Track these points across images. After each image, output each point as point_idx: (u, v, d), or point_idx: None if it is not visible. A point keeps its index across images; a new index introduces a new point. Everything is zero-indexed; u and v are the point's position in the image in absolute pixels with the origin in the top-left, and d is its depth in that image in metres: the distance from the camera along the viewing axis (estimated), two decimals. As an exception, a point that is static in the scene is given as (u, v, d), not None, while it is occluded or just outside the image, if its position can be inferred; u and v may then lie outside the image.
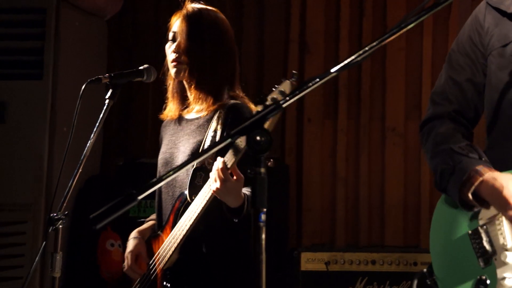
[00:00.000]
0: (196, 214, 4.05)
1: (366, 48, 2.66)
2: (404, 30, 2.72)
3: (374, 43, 2.67)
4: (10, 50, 6.37)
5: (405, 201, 6.93)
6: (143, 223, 4.57)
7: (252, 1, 7.36)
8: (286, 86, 3.49)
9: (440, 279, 3.45)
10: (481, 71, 3.49)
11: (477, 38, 3.52)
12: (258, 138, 2.58)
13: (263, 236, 2.52)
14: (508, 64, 3.37)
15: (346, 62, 2.64)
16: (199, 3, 4.49)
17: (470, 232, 3.27)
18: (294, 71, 3.55)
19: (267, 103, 3.01)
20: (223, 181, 3.84)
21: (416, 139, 6.44)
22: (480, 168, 3.21)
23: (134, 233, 4.43)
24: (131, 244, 4.39)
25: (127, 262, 4.37)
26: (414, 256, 6.25)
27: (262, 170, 2.59)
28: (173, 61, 4.34)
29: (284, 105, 2.67)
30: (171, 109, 4.49)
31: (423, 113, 6.29)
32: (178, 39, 4.38)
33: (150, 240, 4.44)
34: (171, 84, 4.48)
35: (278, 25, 7.24)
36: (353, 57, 2.66)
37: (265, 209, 2.52)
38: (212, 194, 3.94)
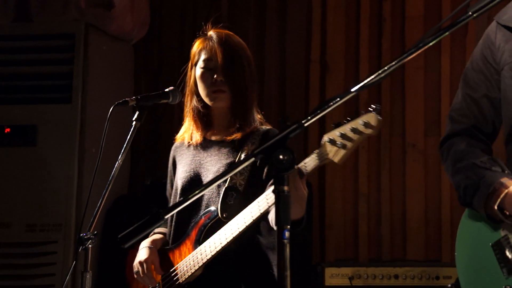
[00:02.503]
0: (235, 233, 3.99)
1: (385, 68, 2.63)
2: (422, 50, 2.69)
3: (393, 63, 2.60)
4: (40, 75, 6.28)
5: (426, 216, 6.75)
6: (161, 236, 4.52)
7: (274, 22, 7.22)
8: (372, 118, 3.44)
9: None
10: (495, 86, 3.53)
11: (490, 55, 3.58)
12: (281, 157, 2.56)
13: (287, 252, 2.53)
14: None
15: (366, 81, 2.60)
16: (221, 27, 4.42)
17: (492, 243, 3.34)
18: (378, 106, 3.45)
19: (344, 131, 3.38)
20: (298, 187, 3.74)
21: (436, 154, 6.24)
22: (505, 180, 3.27)
23: (147, 243, 4.38)
24: (145, 252, 4.34)
25: (142, 269, 4.30)
26: (436, 270, 6.13)
27: (286, 188, 2.56)
28: (215, 90, 4.27)
29: (306, 124, 2.59)
30: (195, 134, 4.41)
31: (442, 130, 6.33)
32: (219, 68, 4.30)
33: (166, 252, 4.39)
34: (194, 109, 4.41)
35: (299, 46, 7.13)
36: (372, 77, 2.60)
37: (288, 227, 2.53)
38: (261, 212, 3.85)
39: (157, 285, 4.33)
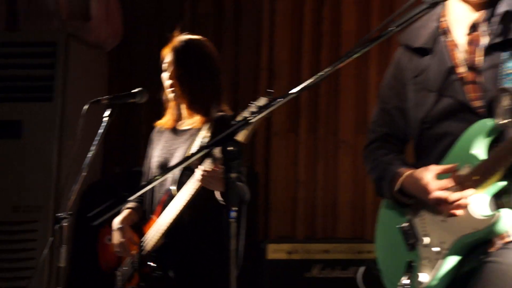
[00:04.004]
0: (180, 205, 4.29)
1: (321, 73, 2.98)
2: (352, 58, 3.03)
3: (328, 69, 2.96)
4: (25, 77, 6.55)
5: (353, 201, 7.18)
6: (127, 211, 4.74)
7: (229, 35, 7.53)
8: (262, 101, 3.77)
9: (382, 269, 3.70)
10: (404, 99, 3.70)
11: (398, 73, 3.74)
12: (230, 148, 2.87)
13: (234, 229, 2.79)
14: (419, 90, 3.61)
15: (303, 85, 2.94)
16: (186, 34, 4.78)
17: (402, 226, 3.53)
18: (269, 90, 3.84)
19: (245, 115, 3.75)
20: (208, 172, 4.15)
21: (344, 146, 7.29)
22: (401, 169, 3.49)
23: (118, 223, 4.63)
24: (119, 234, 4.61)
25: (123, 248, 4.60)
26: (359, 246, 6.49)
27: (233, 175, 2.87)
28: (167, 88, 4.70)
29: (251, 121, 3.05)
30: (168, 120, 4.77)
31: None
32: (170, 69, 4.69)
33: (141, 226, 4.64)
34: (169, 103, 4.79)
35: (251, 55, 7.51)
36: (310, 81, 2.96)
37: (235, 208, 2.82)
38: (195, 188, 4.23)
39: (134, 258, 4.64)
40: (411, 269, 3.46)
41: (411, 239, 3.47)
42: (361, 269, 6.36)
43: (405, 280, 3.46)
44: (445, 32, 3.58)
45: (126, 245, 4.62)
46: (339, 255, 6.44)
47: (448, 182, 3.35)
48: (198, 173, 4.19)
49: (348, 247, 6.46)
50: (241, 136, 3.50)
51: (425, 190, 3.34)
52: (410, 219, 3.49)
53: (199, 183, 4.22)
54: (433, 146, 3.60)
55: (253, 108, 3.83)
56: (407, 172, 3.49)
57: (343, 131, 7.27)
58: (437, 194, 3.31)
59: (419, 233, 3.48)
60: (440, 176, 3.40)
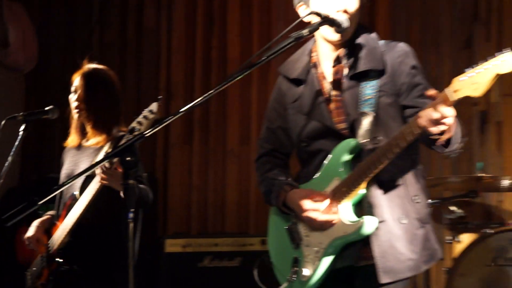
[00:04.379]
0: (83, 206, 4.48)
1: (208, 93, 3.27)
2: (235, 80, 3.29)
3: (215, 89, 3.27)
4: None
5: (239, 202, 7.70)
6: (42, 215, 4.92)
7: (133, 60, 7.98)
8: (154, 106, 4.05)
9: (274, 263, 3.98)
10: (286, 120, 3.93)
11: (280, 98, 3.98)
12: (128, 158, 3.07)
13: (131, 228, 3.05)
14: (296, 114, 3.85)
15: (192, 104, 3.24)
16: (94, 63, 4.99)
17: (288, 227, 3.83)
18: (160, 96, 4.08)
19: (140, 120, 4.02)
20: (105, 171, 4.40)
21: (247, 158, 7.68)
22: (285, 187, 3.78)
23: (35, 222, 4.81)
24: (32, 230, 4.78)
25: (29, 243, 4.76)
26: (243, 240, 6.93)
27: (131, 182, 3.07)
28: (74, 108, 4.85)
29: (147, 135, 3.17)
30: (73, 140, 4.93)
31: (252, 140, 7.66)
32: (78, 92, 4.84)
33: (50, 228, 4.81)
34: (74, 122, 4.93)
35: (151, 78, 7.96)
36: (198, 100, 3.25)
37: (132, 210, 3.03)
38: (96, 189, 4.45)
39: (44, 254, 4.73)
40: (296, 264, 3.75)
41: (296, 239, 3.79)
42: (257, 262, 6.67)
43: (292, 276, 3.79)
44: (315, 65, 3.82)
45: (33, 242, 4.79)
46: (227, 247, 6.87)
47: (320, 199, 3.65)
48: (98, 171, 4.43)
49: (234, 241, 6.91)
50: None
51: (300, 209, 3.65)
52: (295, 223, 3.79)
53: (100, 185, 4.45)
54: (311, 160, 3.84)
55: (146, 113, 4.07)
56: (290, 190, 3.76)
57: (230, 143, 7.81)
58: (307, 214, 3.63)
59: (302, 235, 3.77)
60: (320, 185, 3.74)
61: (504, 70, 3.08)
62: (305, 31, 3.44)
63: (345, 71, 3.69)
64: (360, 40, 3.74)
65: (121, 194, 4.31)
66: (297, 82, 3.83)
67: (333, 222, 3.60)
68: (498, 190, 6.58)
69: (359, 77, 3.64)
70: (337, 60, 3.72)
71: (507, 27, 7.67)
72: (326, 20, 3.51)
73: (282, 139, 3.95)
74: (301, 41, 3.48)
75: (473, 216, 6.91)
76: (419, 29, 7.71)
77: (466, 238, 6.00)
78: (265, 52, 3.37)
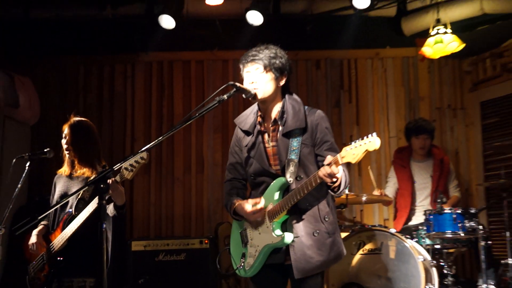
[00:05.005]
0: (80, 221, 4.46)
1: (160, 138, 3.48)
2: (179, 128, 3.57)
3: (163, 136, 3.49)
4: None
5: (183, 214, 7.88)
6: (38, 224, 4.77)
7: (106, 115, 7.99)
8: (144, 154, 3.95)
9: (232, 254, 4.10)
10: (242, 158, 4.04)
11: (237, 141, 4.08)
12: (102, 185, 3.25)
13: (104, 236, 3.24)
14: (246, 155, 4.00)
15: (148, 146, 3.45)
16: (79, 116, 4.91)
17: (240, 231, 4.01)
18: (147, 152, 3.85)
19: (132, 163, 4.00)
20: (115, 187, 4.33)
21: (189, 183, 7.96)
22: (235, 201, 3.94)
23: (35, 231, 4.70)
24: (34, 238, 4.68)
25: (32, 247, 4.68)
26: (187, 241, 6.90)
27: (104, 202, 3.30)
28: (65, 149, 4.83)
29: (115, 168, 3.43)
30: (65, 170, 4.86)
31: (192, 171, 7.92)
32: (67, 138, 4.81)
33: (48, 235, 4.72)
34: (66, 158, 4.87)
35: (121, 127, 8.03)
36: (152, 143, 3.45)
37: (105, 221, 3.22)
38: (90, 211, 4.39)
39: (42, 254, 4.67)
40: (244, 257, 3.97)
41: (244, 241, 3.98)
42: (219, 254, 6.54)
43: (241, 263, 3.98)
44: (260, 123, 3.96)
45: (35, 246, 4.68)
46: (175, 246, 6.91)
47: (257, 206, 3.81)
48: (111, 182, 4.24)
49: (180, 242, 6.92)
50: (129, 176, 4.14)
51: (246, 214, 3.85)
52: (245, 228, 3.98)
53: (95, 207, 4.37)
54: (257, 187, 3.98)
55: (137, 158, 4.02)
56: (237, 202, 3.92)
57: (176, 173, 8.01)
58: (247, 210, 3.83)
59: (248, 238, 3.96)
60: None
61: (371, 148, 3.44)
62: (225, 96, 3.68)
63: (280, 128, 3.86)
64: (289, 104, 3.90)
65: (110, 207, 4.55)
66: (247, 133, 3.99)
67: (264, 231, 3.85)
68: (359, 203, 6.85)
69: (289, 133, 3.84)
70: (275, 121, 3.90)
71: (361, 93, 8.14)
72: (237, 89, 3.76)
73: (240, 171, 4.10)
74: (224, 102, 3.76)
75: (344, 220, 7.12)
76: (305, 93, 8.08)
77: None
78: (199, 110, 3.63)
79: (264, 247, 3.83)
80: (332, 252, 3.80)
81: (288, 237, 3.76)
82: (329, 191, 3.71)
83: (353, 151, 3.46)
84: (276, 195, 3.82)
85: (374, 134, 3.46)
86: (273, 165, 3.88)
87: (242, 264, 3.96)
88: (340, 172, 3.55)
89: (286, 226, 3.81)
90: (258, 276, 3.92)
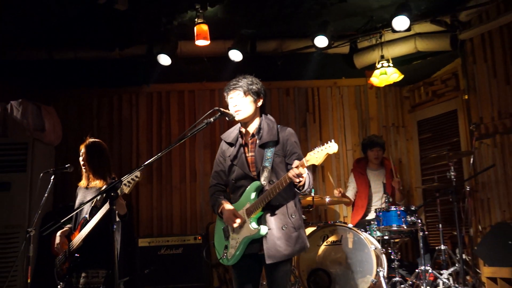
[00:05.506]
0: (92, 225, 4.44)
1: (160, 153, 3.49)
2: (174, 145, 3.58)
3: (163, 152, 3.49)
4: (13, 160, 6.67)
5: (180, 215, 7.79)
6: (62, 226, 4.74)
7: (117, 135, 7.91)
8: (138, 173, 3.98)
9: (216, 246, 4.00)
10: (225, 167, 3.97)
11: (221, 153, 4.03)
12: (112, 194, 3.26)
13: (115, 235, 3.21)
14: (229, 163, 3.93)
15: (150, 160, 3.48)
16: (93, 138, 4.86)
17: (223, 228, 3.94)
18: (141, 167, 3.62)
19: (129, 180, 3.99)
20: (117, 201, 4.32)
21: (185, 190, 7.82)
22: (222, 202, 3.88)
23: (59, 233, 4.71)
24: (58, 239, 4.69)
25: (58, 246, 4.69)
26: (183, 237, 6.99)
27: (114, 206, 3.25)
28: (82, 165, 4.81)
29: (124, 180, 3.65)
30: (83, 183, 4.82)
31: (187, 181, 7.75)
32: (83, 156, 4.79)
33: (69, 235, 4.71)
34: (83, 173, 4.82)
35: (127, 146, 7.92)
36: (154, 157, 3.46)
37: (115, 223, 3.23)
38: (102, 215, 4.37)
39: (65, 251, 4.66)
40: (226, 249, 3.89)
41: (226, 234, 3.90)
42: (206, 247, 6.83)
43: (224, 254, 3.90)
44: (242, 136, 3.94)
45: (59, 245, 4.68)
46: (174, 242, 6.97)
47: (237, 213, 3.79)
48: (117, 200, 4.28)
49: (178, 238, 7.01)
50: (127, 190, 4.06)
51: (225, 217, 3.83)
52: (227, 226, 3.91)
53: (104, 212, 4.36)
54: (237, 190, 3.91)
55: (133, 177, 4.03)
56: (223, 204, 3.86)
57: (174, 182, 7.91)
58: (230, 217, 3.77)
59: (229, 232, 3.89)
60: (240, 206, 3.84)
61: (330, 152, 3.49)
62: (211, 119, 3.67)
63: (257, 141, 3.85)
64: (265, 122, 3.90)
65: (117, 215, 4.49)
66: (231, 144, 3.96)
67: (243, 225, 3.78)
68: (323, 204, 6.73)
69: (264, 145, 3.83)
70: (253, 135, 3.89)
71: (323, 115, 8.16)
72: (221, 113, 3.77)
73: (223, 177, 4.02)
74: (211, 124, 3.72)
75: (311, 218, 7.29)
76: (277, 115, 8.01)
77: (308, 231, 5.90)
78: (191, 130, 3.63)
79: (243, 239, 3.79)
80: (297, 244, 3.78)
81: (263, 230, 3.73)
82: (296, 189, 3.71)
83: (316, 155, 3.51)
84: (253, 195, 3.80)
85: (333, 140, 3.52)
86: (252, 171, 3.85)
87: (225, 254, 3.89)
88: (305, 174, 3.57)
89: (261, 221, 3.78)
90: (238, 264, 3.86)
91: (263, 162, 3.81)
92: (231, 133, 4.02)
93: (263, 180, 3.78)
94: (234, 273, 3.91)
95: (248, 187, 3.82)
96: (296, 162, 3.56)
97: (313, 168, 7.74)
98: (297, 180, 3.55)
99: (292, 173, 3.53)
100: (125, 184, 4.07)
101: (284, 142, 3.85)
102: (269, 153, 3.82)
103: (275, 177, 3.79)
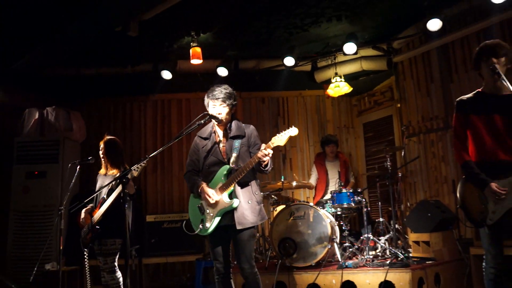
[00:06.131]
0: (109, 203, 4.38)
1: (161, 148, 3.48)
2: (173, 142, 3.45)
3: (164, 147, 3.46)
4: (48, 154, 6.58)
5: (179, 197, 7.66)
6: (86, 205, 4.63)
7: (129, 135, 7.72)
8: (144, 161, 3.59)
9: (191, 220, 3.83)
10: (198, 156, 3.84)
11: (196, 145, 3.89)
12: (124, 180, 3.16)
13: (126, 211, 3.05)
14: (203, 153, 3.80)
15: (154, 153, 3.42)
16: (110, 136, 4.76)
17: (198, 205, 3.78)
18: (145, 159, 3.46)
19: (138, 166, 3.58)
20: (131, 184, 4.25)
21: (182, 178, 7.38)
22: (201, 183, 3.71)
23: (84, 210, 4.60)
24: (82, 214, 4.60)
25: (83, 220, 4.59)
26: (181, 214, 6.88)
27: (126, 190, 3.13)
28: (101, 158, 4.72)
29: (133, 169, 3.34)
30: (102, 171, 4.71)
31: (183, 170, 6.42)
32: (102, 150, 4.70)
33: (91, 212, 4.60)
34: (102, 163, 4.72)
35: (137, 143, 7.78)
36: (157, 151, 3.42)
37: (126, 203, 3.07)
38: (116, 195, 4.26)
39: (88, 224, 4.56)
40: (202, 222, 3.73)
41: (202, 210, 3.75)
42: (184, 222, 6.28)
43: (200, 226, 3.73)
44: (215, 131, 3.82)
45: (84, 219, 4.58)
46: (174, 218, 6.86)
47: (213, 191, 3.65)
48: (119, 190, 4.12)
49: (177, 215, 6.91)
50: (136, 173, 3.60)
51: (204, 196, 3.68)
52: (202, 203, 3.77)
53: (118, 193, 4.23)
54: (210, 175, 3.76)
55: (142, 164, 3.67)
56: (202, 185, 3.72)
57: (174, 171, 7.80)
58: (208, 194, 3.64)
59: (205, 208, 3.73)
60: (214, 185, 3.70)
61: (292, 134, 3.46)
62: (202, 121, 3.65)
63: (228, 135, 3.78)
64: (235, 123, 3.82)
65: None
66: (205, 139, 3.85)
67: (218, 201, 3.66)
68: (291, 188, 6.45)
69: (233, 137, 3.75)
70: (225, 130, 3.81)
71: (291, 118, 8.10)
72: (210, 116, 3.72)
73: (197, 164, 3.86)
74: (202, 125, 3.68)
75: (282, 198, 7.06)
76: (255, 119, 7.98)
77: (279, 208, 6.02)
78: (186, 129, 3.54)
79: (218, 212, 3.67)
80: (259, 215, 3.71)
81: (236, 202, 3.64)
82: (261, 168, 3.60)
83: (280, 137, 3.46)
84: (223, 177, 3.71)
85: (293, 126, 3.49)
86: (224, 158, 3.76)
87: (201, 227, 3.72)
88: (270, 153, 3.51)
89: (232, 196, 3.68)
90: (213, 234, 3.72)
91: (232, 150, 3.73)
92: (206, 130, 3.92)
93: (232, 164, 3.71)
94: (210, 242, 3.79)
95: (219, 170, 3.72)
96: (263, 145, 3.50)
97: (283, 161, 7.74)
98: (264, 159, 3.47)
99: (261, 153, 3.47)
100: (134, 169, 3.77)
101: (249, 136, 3.79)
102: (237, 143, 3.75)
103: (242, 162, 3.71)
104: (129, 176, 3.53)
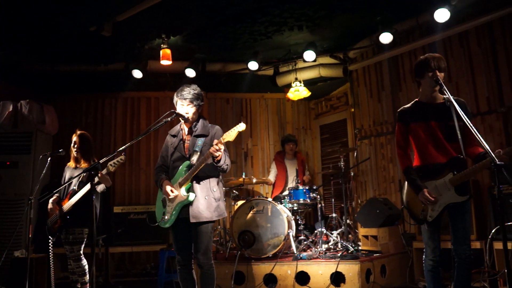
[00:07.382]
0: (80, 195, 4.32)
1: (130, 142, 3.29)
2: (141, 137, 3.33)
3: (132, 141, 3.31)
4: (20, 145, 6.41)
5: (145, 189, 7.54)
6: (53, 196, 4.53)
7: (100, 130, 7.60)
8: (122, 157, 3.92)
9: (156, 214, 3.80)
10: (167, 152, 3.78)
11: (166, 143, 3.86)
12: (92, 172, 3.19)
13: (94, 203, 3.06)
14: (172, 149, 3.74)
15: (123, 147, 3.23)
16: (82, 131, 4.70)
17: (162, 199, 3.74)
18: (123, 153, 3.62)
19: (115, 162, 3.85)
20: (104, 177, 4.20)
21: (149, 171, 7.51)
22: (163, 178, 3.69)
23: (51, 200, 4.50)
24: (50, 204, 4.51)
25: (52, 210, 4.50)
26: (147, 206, 6.76)
27: (95, 182, 3.36)
28: (74, 151, 4.63)
29: (101, 162, 3.23)
30: (72, 164, 4.65)
31: (151, 164, 7.43)
32: (76, 144, 4.62)
33: (59, 202, 4.51)
34: (72, 156, 4.65)
35: (107, 137, 7.65)
36: (127, 145, 3.24)
37: (94, 194, 3.10)
38: (88, 188, 4.22)
39: (57, 213, 4.47)
40: (164, 215, 3.70)
41: (164, 203, 3.72)
42: (148, 214, 6.63)
43: (162, 219, 3.71)
44: (182, 129, 3.80)
45: (52, 209, 4.49)
46: (140, 209, 6.76)
47: (171, 188, 3.62)
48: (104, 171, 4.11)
49: (143, 207, 6.80)
50: (113, 168, 3.95)
51: (164, 190, 3.63)
52: (165, 197, 3.74)
53: (89, 186, 4.19)
54: (174, 170, 3.72)
55: (119, 159, 3.96)
56: (164, 180, 3.69)
57: (141, 164, 7.67)
58: (166, 191, 3.61)
59: (166, 201, 3.70)
60: (175, 180, 3.66)
61: (240, 129, 3.36)
62: (169, 118, 3.57)
63: (193, 133, 3.73)
64: (201, 122, 3.79)
65: (100, 187, 4.34)
66: (174, 136, 3.82)
67: (176, 196, 3.62)
68: (251, 184, 6.48)
69: (197, 136, 3.72)
70: (190, 129, 3.77)
71: (253, 119, 8.01)
72: (177, 115, 3.67)
73: (166, 160, 3.82)
74: (168, 122, 3.59)
75: (243, 193, 7.31)
76: (220, 118, 7.86)
77: (239, 203, 5.84)
78: (154, 125, 3.50)
79: (177, 205, 3.63)
80: (216, 212, 3.64)
81: (191, 196, 3.59)
82: (215, 163, 3.54)
83: (230, 134, 3.39)
84: (184, 172, 3.68)
85: (241, 122, 3.43)
86: (186, 154, 3.71)
87: (163, 219, 3.69)
88: (222, 151, 3.45)
89: (190, 191, 3.63)
90: (174, 226, 3.69)
91: (195, 147, 3.70)
92: (176, 128, 3.91)
93: (193, 160, 3.68)
94: (172, 233, 3.75)
95: (181, 165, 3.70)
96: (215, 141, 3.47)
97: (244, 156, 7.73)
98: (216, 154, 3.42)
99: (212, 148, 3.43)
100: (111, 165, 3.94)
101: (212, 136, 3.74)
102: (200, 141, 3.71)
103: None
104: (104, 171, 3.64)
